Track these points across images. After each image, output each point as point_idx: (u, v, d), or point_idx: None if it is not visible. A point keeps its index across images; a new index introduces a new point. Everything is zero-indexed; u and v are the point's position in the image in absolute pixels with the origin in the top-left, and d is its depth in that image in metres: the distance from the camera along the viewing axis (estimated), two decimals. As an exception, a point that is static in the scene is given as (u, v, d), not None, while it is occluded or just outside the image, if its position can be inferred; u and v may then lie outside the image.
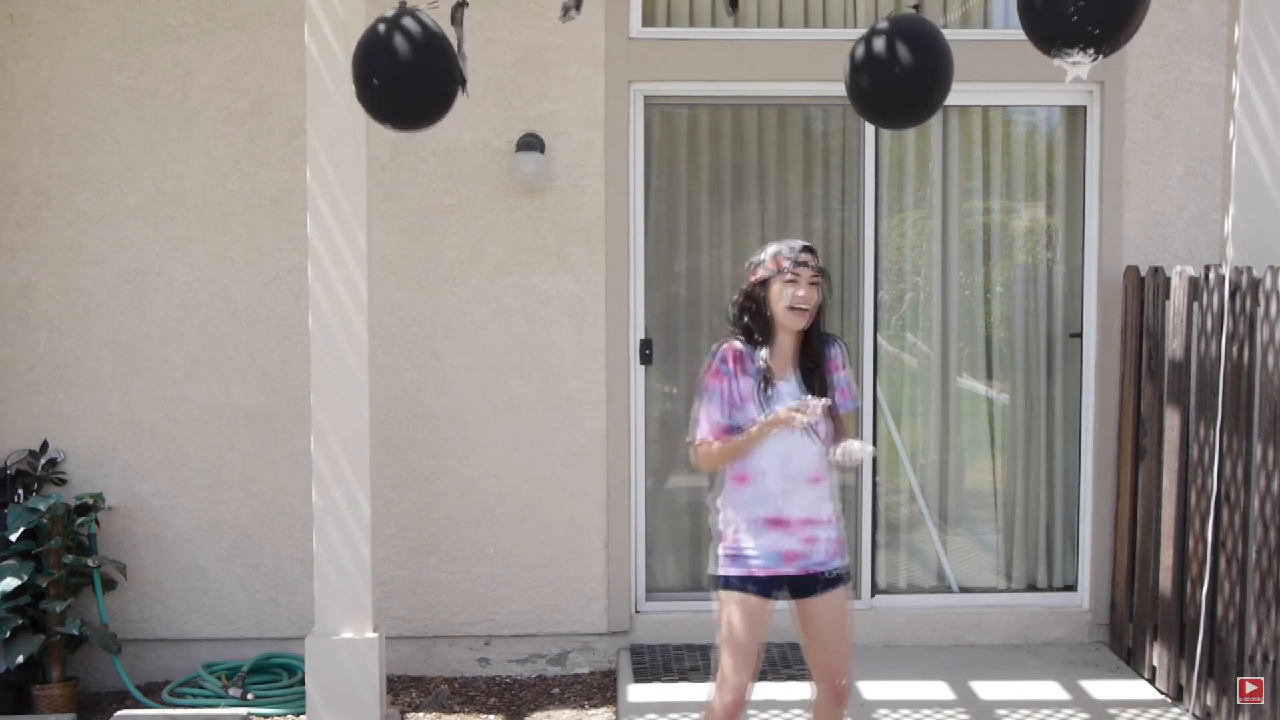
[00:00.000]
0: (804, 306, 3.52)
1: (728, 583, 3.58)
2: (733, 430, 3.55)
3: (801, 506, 3.57)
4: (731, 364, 3.57)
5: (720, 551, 3.62)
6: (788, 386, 3.58)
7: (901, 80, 3.41)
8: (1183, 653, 4.84)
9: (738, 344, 3.61)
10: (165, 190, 5.35)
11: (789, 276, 3.52)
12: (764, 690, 4.94)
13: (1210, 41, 5.42)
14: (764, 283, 3.56)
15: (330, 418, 4.45)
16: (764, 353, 3.57)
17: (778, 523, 3.56)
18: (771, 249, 3.59)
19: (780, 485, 3.55)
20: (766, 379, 3.55)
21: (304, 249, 4.77)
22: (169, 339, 5.38)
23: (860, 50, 3.44)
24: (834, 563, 3.62)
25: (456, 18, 3.66)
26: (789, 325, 3.55)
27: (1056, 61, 2.99)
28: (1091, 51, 2.90)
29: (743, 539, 3.57)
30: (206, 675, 5.18)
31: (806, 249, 3.57)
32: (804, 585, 3.60)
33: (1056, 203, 5.67)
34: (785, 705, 4.81)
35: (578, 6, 3.81)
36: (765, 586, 3.55)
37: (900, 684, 5.03)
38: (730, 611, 3.56)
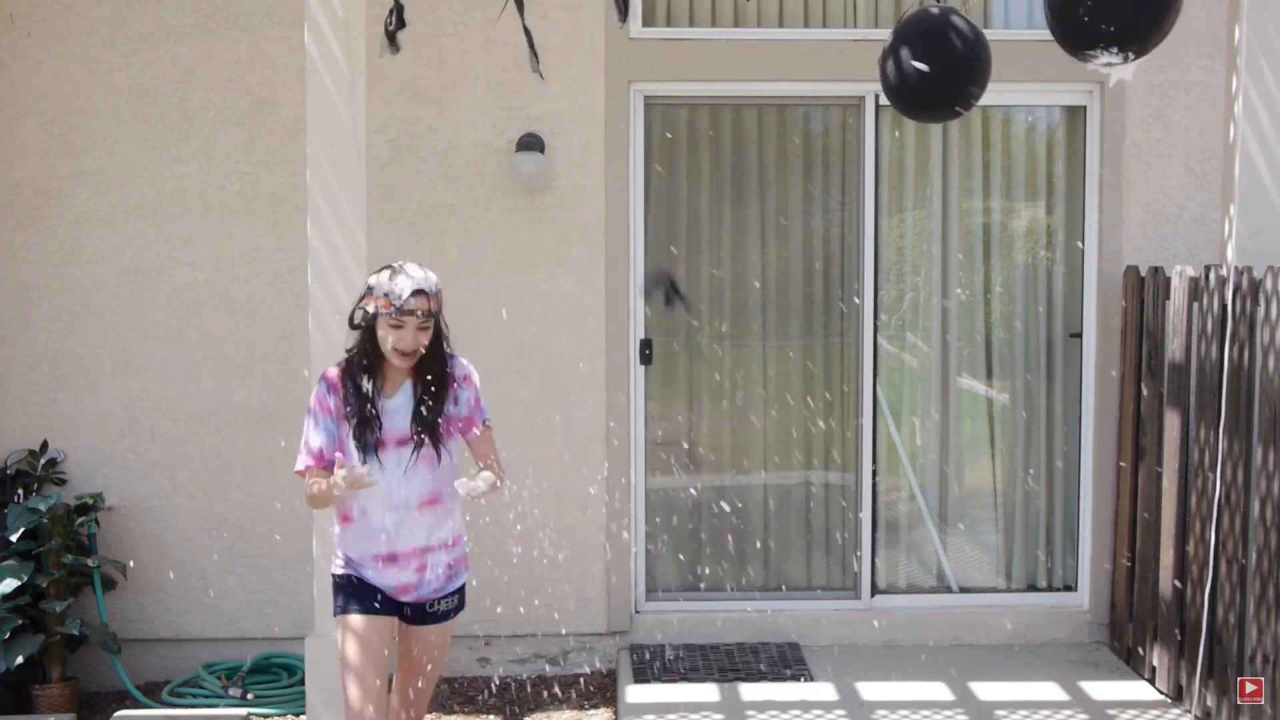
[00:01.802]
0: (408, 351, 3.37)
1: (344, 608, 3.47)
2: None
3: (414, 536, 3.46)
4: (332, 388, 3.44)
5: (335, 577, 3.53)
6: (396, 403, 3.44)
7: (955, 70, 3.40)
8: (1183, 653, 4.84)
9: (340, 367, 3.47)
10: (165, 190, 5.35)
11: (394, 321, 3.34)
12: (764, 690, 4.94)
13: (1210, 41, 5.42)
14: (373, 315, 3.37)
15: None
16: (366, 382, 3.40)
17: (391, 558, 3.45)
18: (384, 283, 3.36)
19: (387, 519, 3.43)
20: (368, 399, 3.38)
21: (304, 249, 4.77)
22: (169, 339, 5.38)
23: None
24: (447, 587, 3.56)
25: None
26: (396, 363, 3.40)
27: (1091, 65, 2.98)
28: (1120, 53, 2.90)
29: (362, 572, 3.48)
30: (206, 675, 5.18)
31: (417, 293, 3.34)
32: (416, 613, 3.54)
33: (1056, 203, 5.67)
34: (784, 706, 4.81)
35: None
36: (384, 609, 3.46)
37: (900, 684, 5.03)
38: (346, 637, 3.45)
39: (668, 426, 5.67)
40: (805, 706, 4.80)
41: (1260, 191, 4.68)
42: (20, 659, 4.76)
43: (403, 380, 3.46)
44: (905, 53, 3.40)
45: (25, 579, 4.82)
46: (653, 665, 5.23)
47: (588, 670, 5.50)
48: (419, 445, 3.42)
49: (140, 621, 5.40)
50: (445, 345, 3.51)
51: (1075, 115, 5.60)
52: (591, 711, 5.05)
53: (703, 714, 4.75)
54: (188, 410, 5.39)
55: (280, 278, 5.37)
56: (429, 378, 3.44)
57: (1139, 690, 5.03)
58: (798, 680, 5.05)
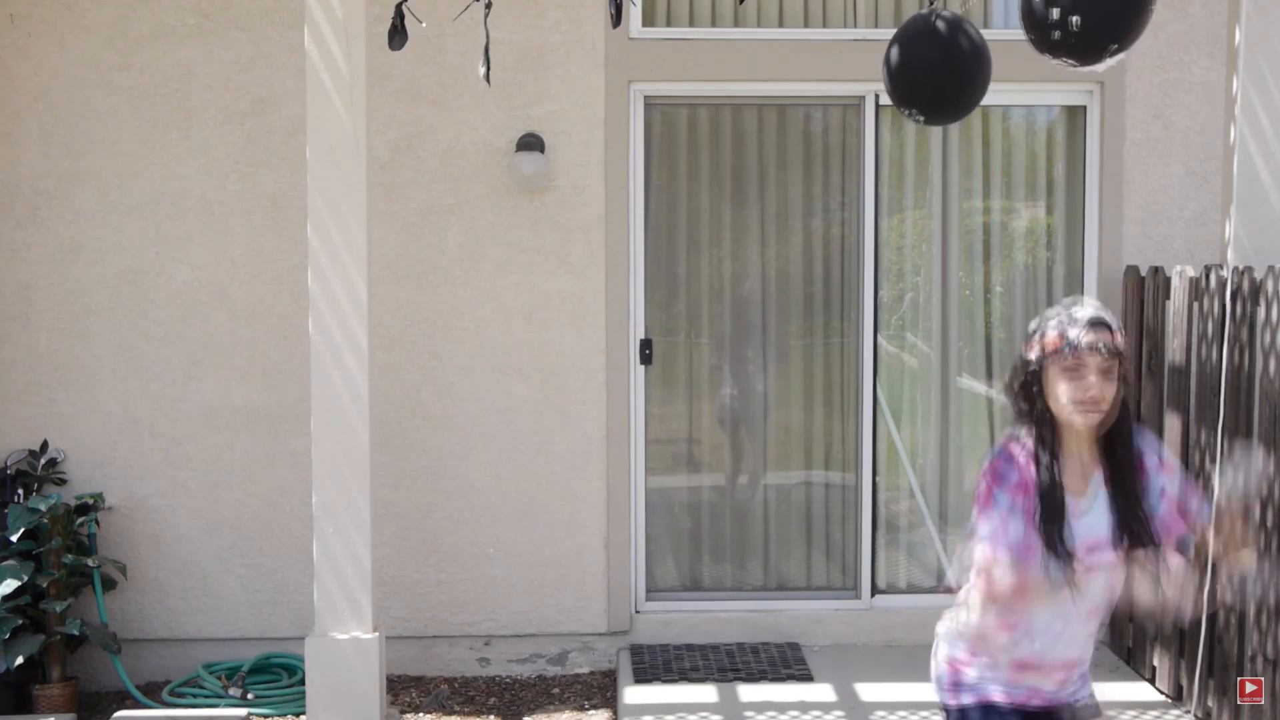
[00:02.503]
0: (1092, 401, 2.60)
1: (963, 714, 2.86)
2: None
3: (1069, 649, 2.77)
4: (1016, 467, 2.65)
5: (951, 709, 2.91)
6: (1089, 515, 2.67)
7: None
8: (1183, 653, 4.84)
9: (1022, 442, 2.69)
10: (165, 190, 5.35)
11: (1069, 363, 2.60)
12: (764, 691, 4.94)
13: (1210, 41, 5.42)
14: (1038, 367, 2.65)
15: (329, 420, 4.45)
16: (1045, 459, 2.63)
17: (1034, 667, 2.78)
18: (1053, 321, 2.66)
19: (1051, 628, 2.74)
20: (1053, 502, 2.61)
21: (304, 248, 4.78)
22: (169, 339, 5.38)
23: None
24: (1083, 690, 2.86)
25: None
26: (1078, 424, 2.64)
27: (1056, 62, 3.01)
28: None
29: (987, 691, 2.83)
30: (206, 675, 5.18)
31: (1095, 323, 2.61)
32: (1050, 714, 2.84)
33: (1056, 203, 5.67)
34: (783, 706, 4.81)
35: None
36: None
37: (900, 685, 5.03)
38: None
39: (668, 426, 5.67)
40: (805, 707, 4.81)
41: (1260, 192, 4.68)
42: (20, 659, 4.76)
43: (1092, 471, 2.70)
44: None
45: (25, 579, 4.82)
46: (653, 665, 5.23)
47: (587, 670, 5.50)
48: (1119, 555, 2.67)
49: (140, 621, 5.40)
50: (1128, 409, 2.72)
51: (1075, 115, 5.60)
52: (591, 711, 5.05)
53: (702, 714, 4.75)
54: (188, 410, 5.39)
55: (280, 278, 5.37)
56: (1118, 458, 2.67)
57: (1139, 690, 5.02)
58: (798, 680, 5.05)
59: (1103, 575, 2.68)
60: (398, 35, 3.73)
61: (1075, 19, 2.91)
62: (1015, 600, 2.62)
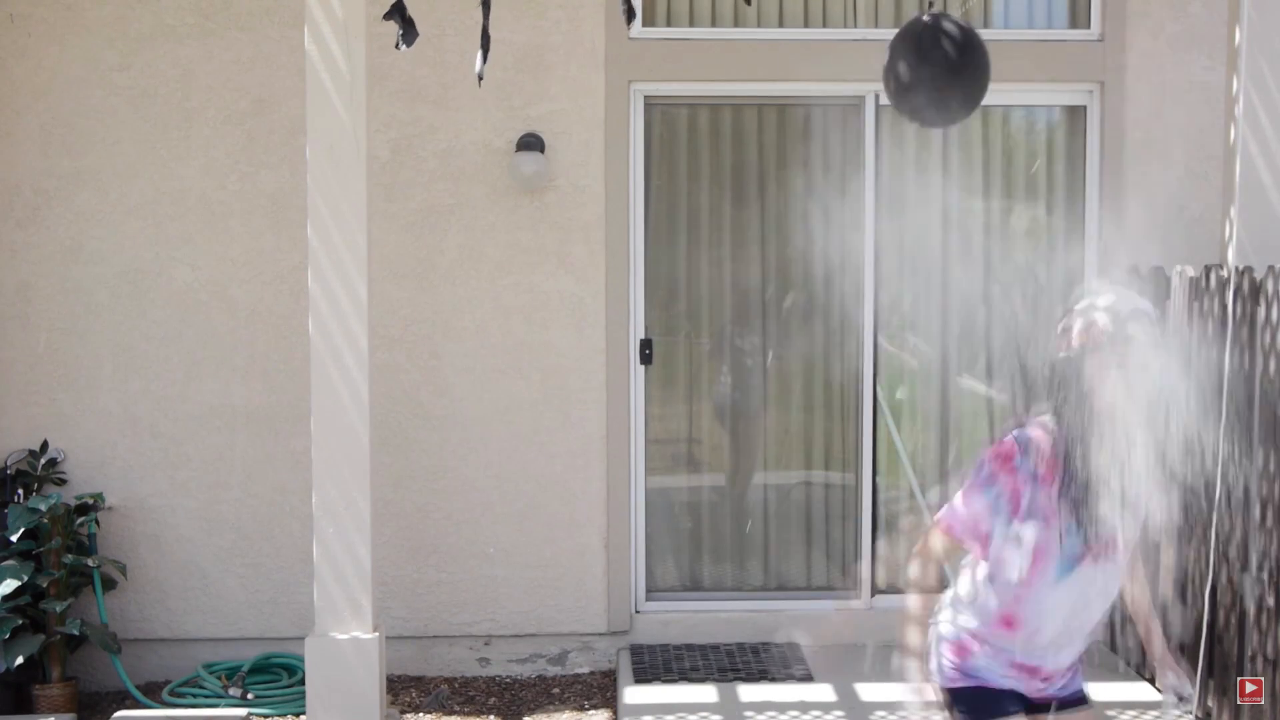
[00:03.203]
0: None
1: (956, 696, 2.81)
2: (989, 537, 2.66)
3: (1062, 657, 2.76)
4: (1035, 460, 2.60)
5: (944, 663, 2.84)
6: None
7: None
8: (1183, 653, 4.83)
9: (1047, 431, 2.62)
10: (165, 190, 5.35)
11: (1117, 355, 2.50)
12: (764, 691, 4.94)
13: (1210, 41, 5.42)
14: (1077, 356, 2.57)
15: (329, 420, 4.45)
16: (1080, 450, 2.57)
17: (1031, 671, 2.76)
18: (1088, 310, 2.57)
19: (1054, 639, 2.71)
20: (1084, 493, 2.57)
21: (304, 248, 4.78)
22: (169, 339, 5.38)
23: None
24: (1074, 683, 2.85)
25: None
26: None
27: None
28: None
29: (985, 678, 2.78)
30: (206, 675, 5.18)
31: (1141, 314, 2.53)
32: (1039, 707, 2.82)
33: (1056, 203, 5.67)
34: (783, 706, 4.81)
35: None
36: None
37: (899, 685, 5.02)
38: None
39: (668, 426, 5.67)
40: (805, 707, 4.80)
41: (1260, 192, 4.68)
42: (20, 659, 4.76)
43: None
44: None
45: (25, 579, 4.82)
46: (653, 665, 5.23)
47: (587, 670, 5.50)
48: (1117, 554, 2.65)
49: (140, 621, 5.40)
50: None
51: (1075, 115, 5.60)
52: (591, 711, 5.05)
53: (702, 714, 4.75)
54: (188, 410, 5.39)
55: (280, 278, 5.37)
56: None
57: (1139, 690, 5.02)
58: (798, 680, 5.05)
59: (1109, 575, 2.66)
60: (409, 32, 3.62)
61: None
62: (936, 562, 2.70)
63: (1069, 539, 2.59)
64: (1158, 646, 2.83)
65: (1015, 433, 2.65)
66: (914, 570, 2.73)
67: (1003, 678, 2.76)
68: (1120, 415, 2.53)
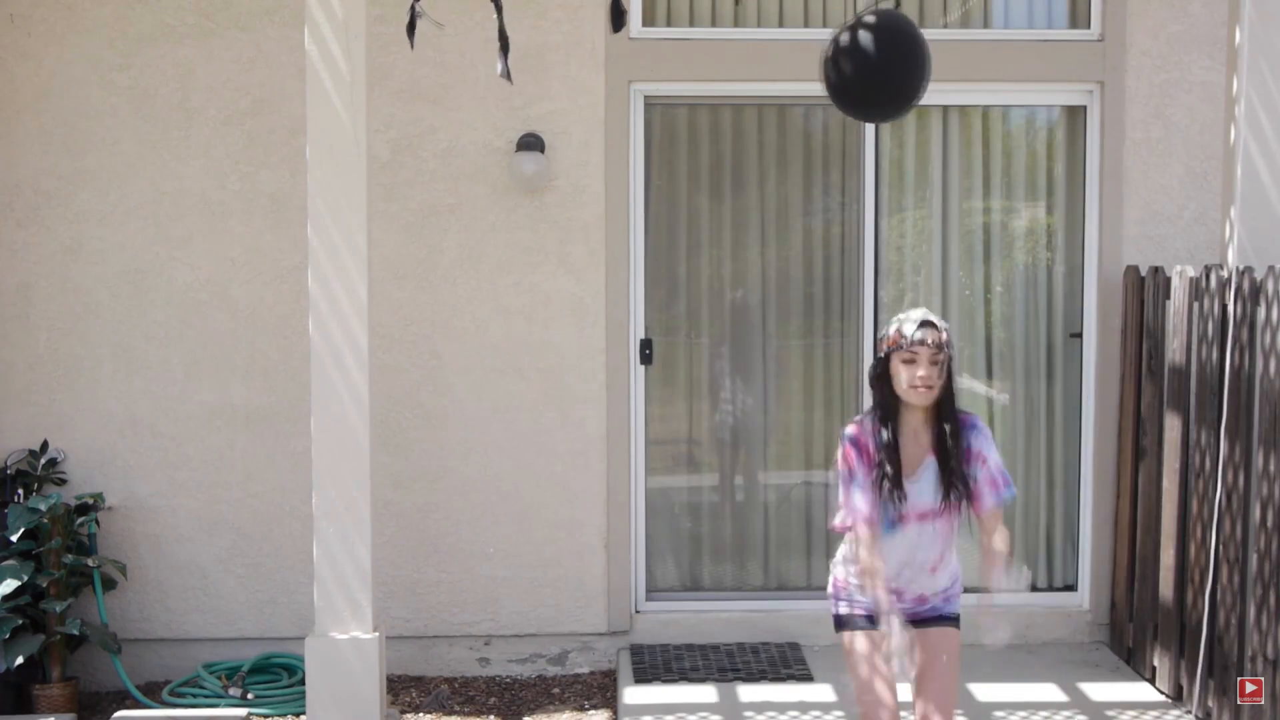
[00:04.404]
0: (925, 385, 3.32)
1: (842, 621, 3.56)
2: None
3: (917, 588, 3.49)
4: (855, 447, 3.41)
5: (830, 593, 3.60)
6: (920, 482, 3.40)
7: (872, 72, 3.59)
8: (1183, 653, 4.84)
9: (863, 423, 3.44)
10: (165, 190, 5.35)
11: (906, 356, 3.33)
12: (764, 691, 4.95)
13: (1210, 41, 5.42)
14: (886, 356, 3.39)
15: (329, 420, 4.45)
16: (886, 435, 3.37)
17: (895, 593, 3.44)
18: (892, 324, 3.40)
19: (900, 574, 3.45)
20: (890, 474, 3.36)
21: (304, 248, 4.78)
22: (169, 339, 5.38)
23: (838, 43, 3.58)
24: (944, 608, 3.56)
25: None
26: (914, 401, 3.35)
27: None
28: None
29: (854, 592, 3.53)
30: (206, 675, 5.18)
31: (925, 324, 3.34)
32: (916, 619, 3.50)
33: (1056, 203, 5.67)
34: (783, 706, 4.81)
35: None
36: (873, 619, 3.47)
37: (898, 685, 5.02)
38: (848, 645, 3.55)
39: (668, 426, 5.68)
40: (805, 707, 4.81)
41: (1260, 192, 4.69)
42: (20, 659, 4.76)
43: (924, 457, 3.41)
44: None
45: (25, 579, 4.82)
46: (653, 665, 5.23)
47: (587, 670, 5.50)
48: (943, 518, 3.41)
49: (140, 621, 5.41)
50: (956, 400, 3.43)
51: (1075, 115, 5.60)
52: (591, 711, 5.05)
53: (702, 714, 4.75)
54: (188, 410, 5.39)
55: (280, 278, 5.37)
56: (947, 437, 3.37)
57: (1139, 691, 5.03)
58: (798, 680, 5.05)
59: (933, 528, 3.41)
60: (414, 31, 3.75)
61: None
62: (872, 540, 3.38)
63: (888, 506, 3.37)
64: (991, 591, 3.39)
65: (844, 432, 3.47)
66: (864, 555, 3.39)
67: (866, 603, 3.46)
68: (914, 404, 3.35)
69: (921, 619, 3.51)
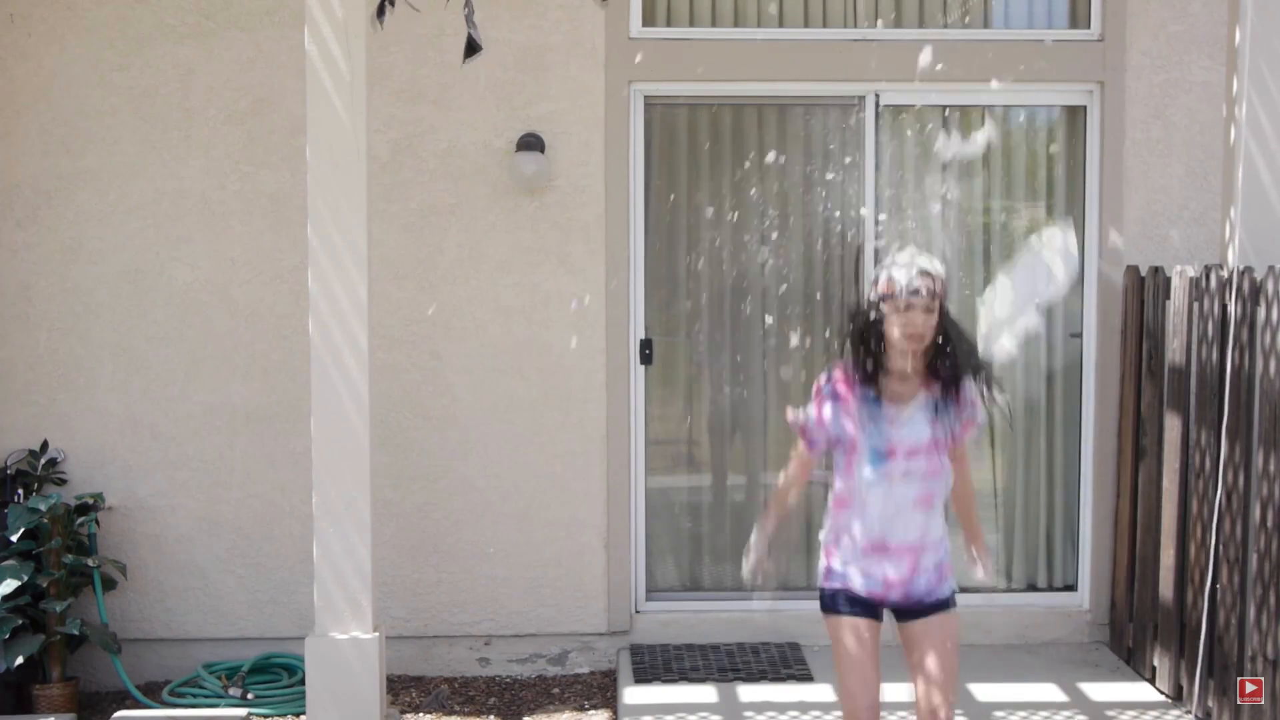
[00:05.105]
0: (917, 335, 3.25)
1: (826, 602, 3.47)
2: (830, 444, 3.42)
3: (908, 533, 3.36)
4: (834, 386, 3.37)
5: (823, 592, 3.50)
6: (910, 424, 3.34)
7: None
8: (1183, 653, 4.84)
9: (843, 365, 3.40)
10: (165, 190, 5.35)
11: (899, 304, 3.23)
12: (764, 691, 4.95)
13: (1210, 41, 5.42)
14: (878, 302, 3.29)
15: (329, 420, 4.45)
16: (870, 366, 3.33)
17: (882, 548, 3.37)
18: (885, 269, 3.30)
19: (885, 510, 3.35)
20: (874, 410, 3.32)
21: (304, 248, 4.78)
22: (169, 339, 5.38)
23: None
24: (938, 590, 3.45)
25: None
26: (907, 348, 3.28)
27: None
28: None
29: (849, 582, 3.43)
30: (206, 675, 5.18)
31: (922, 273, 3.25)
32: (906, 611, 3.45)
33: (1056, 203, 5.67)
34: (783, 706, 4.81)
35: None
36: (868, 607, 3.42)
37: (898, 685, 5.02)
38: (832, 631, 3.46)
39: (668, 426, 5.68)
40: (804, 707, 4.81)
41: (1260, 193, 4.69)
42: (20, 659, 4.76)
43: (914, 394, 3.35)
44: None
45: (25, 579, 4.82)
46: (652, 665, 5.23)
47: (587, 670, 5.50)
48: (931, 456, 3.34)
49: (140, 621, 5.41)
50: (951, 339, 3.33)
51: (1075, 115, 5.60)
52: (591, 711, 5.05)
53: (702, 714, 4.75)
54: (188, 410, 5.39)
55: (280, 278, 5.37)
56: (942, 380, 3.33)
57: (1139, 691, 5.03)
58: (798, 680, 5.05)
59: (921, 471, 3.33)
60: (384, 13, 3.80)
61: None
62: (798, 472, 3.54)
63: (872, 437, 3.31)
64: (975, 545, 3.69)
65: (827, 375, 3.44)
66: (782, 479, 3.59)
67: (863, 578, 3.40)
68: (904, 345, 3.26)
69: (918, 606, 3.42)
